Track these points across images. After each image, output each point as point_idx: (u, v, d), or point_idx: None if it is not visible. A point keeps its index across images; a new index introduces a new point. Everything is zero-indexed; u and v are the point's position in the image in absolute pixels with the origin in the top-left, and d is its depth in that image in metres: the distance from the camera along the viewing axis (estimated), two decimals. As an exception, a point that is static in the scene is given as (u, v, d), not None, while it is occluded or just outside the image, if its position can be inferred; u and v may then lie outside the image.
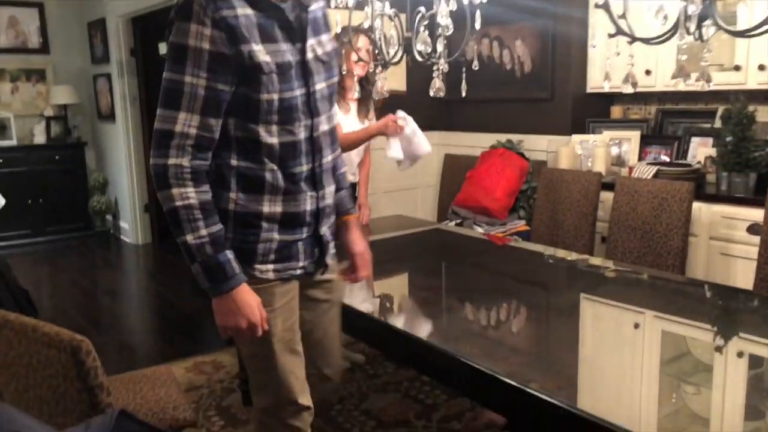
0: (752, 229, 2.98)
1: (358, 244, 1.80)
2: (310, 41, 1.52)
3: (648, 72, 3.55)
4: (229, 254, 1.43)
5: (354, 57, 2.86)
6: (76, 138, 6.61)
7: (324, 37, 1.58)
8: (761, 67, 3.15)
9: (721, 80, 3.22)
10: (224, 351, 3.51)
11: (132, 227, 6.28)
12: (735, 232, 3.11)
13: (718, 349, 1.81)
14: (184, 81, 1.36)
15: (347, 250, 1.80)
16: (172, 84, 1.37)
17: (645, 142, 3.84)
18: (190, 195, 1.38)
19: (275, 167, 1.48)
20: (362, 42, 2.84)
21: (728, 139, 3.13)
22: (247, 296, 1.45)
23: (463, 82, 2.42)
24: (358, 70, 2.93)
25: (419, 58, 2.30)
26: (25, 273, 4.83)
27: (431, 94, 2.36)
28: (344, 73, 2.85)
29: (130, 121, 6.02)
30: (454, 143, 4.90)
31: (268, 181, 1.48)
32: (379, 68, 2.45)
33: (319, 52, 1.54)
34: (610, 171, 3.78)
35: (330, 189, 1.63)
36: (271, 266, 1.53)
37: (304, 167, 1.53)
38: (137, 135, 6.08)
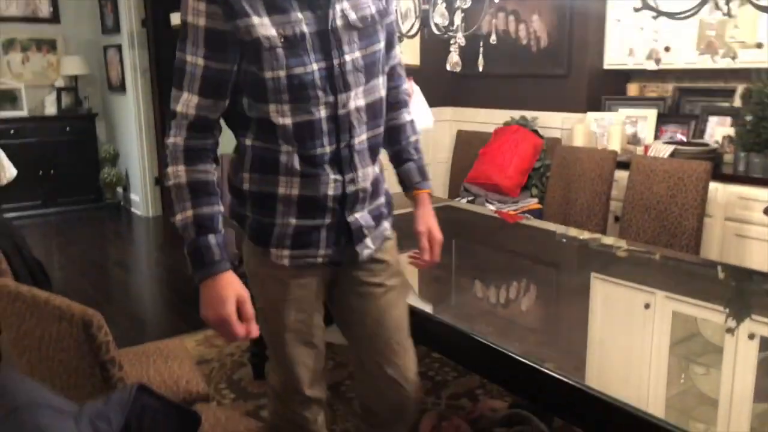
0: (769, 210, 2.93)
1: (422, 222, 1.63)
2: (342, 4, 1.34)
3: (667, 49, 3.47)
4: (212, 239, 1.31)
5: None
6: (86, 109, 6.59)
7: None
8: (784, 45, 3.07)
9: (743, 58, 3.14)
10: (234, 324, 3.52)
11: (143, 200, 6.29)
12: (751, 213, 3.07)
13: (729, 330, 1.80)
14: (186, 60, 1.30)
15: (413, 229, 1.64)
16: (178, 63, 1.32)
17: (661, 120, 3.77)
18: (181, 174, 1.32)
19: (291, 149, 1.36)
20: None
21: (748, 118, 3.07)
22: (224, 288, 1.29)
23: (480, 56, 2.37)
24: None
25: (436, 32, 2.25)
26: (36, 244, 4.86)
27: (448, 68, 2.32)
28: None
29: (140, 92, 5.99)
30: (467, 119, 4.84)
31: (283, 163, 1.37)
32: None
33: (353, 16, 1.35)
34: (626, 149, 3.73)
35: (366, 171, 1.44)
36: (287, 252, 1.43)
37: (327, 149, 1.37)
38: (148, 107, 6.06)
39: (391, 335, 1.56)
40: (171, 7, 5.10)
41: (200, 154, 1.34)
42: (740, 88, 3.35)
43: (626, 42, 3.69)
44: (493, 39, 2.37)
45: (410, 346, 1.61)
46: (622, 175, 3.28)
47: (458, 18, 2.23)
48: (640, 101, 3.95)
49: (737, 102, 3.37)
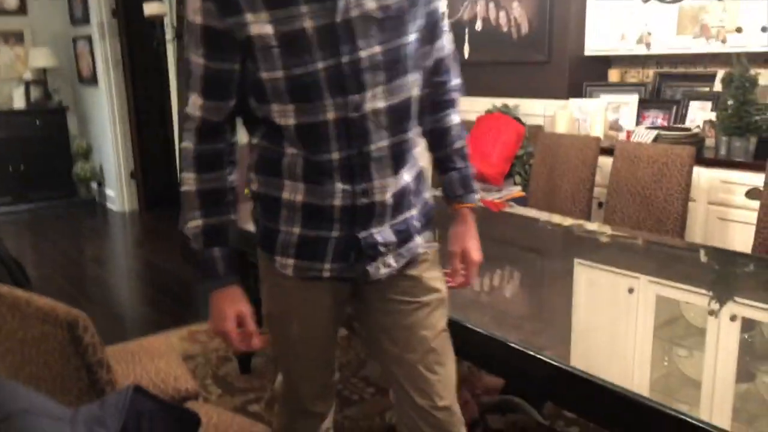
0: (751, 193, 2.95)
1: (457, 242, 1.46)
2: None
3: (648, 34, 3.47)
4: (218, 252, 1.28)
5: None
6: (56, 103, 6.43)
7: None
8: (764, 29, 3.09)
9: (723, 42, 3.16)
10: (218, 320, 3.47)
11: (118, 195, 6.16)
12: (733, 197, 3.09)
13: (712, 312, 1.81)
14: (190, 59, 1.23)
15: (450, 249, 1.47)
16: (186, 62, 1.24)
17: (643, 106, 3.78)
18: (191, 181, 1.27)
19: (296, 151, 1.24)
20: None
21: (729, 102, 3.08)
22: (225, 304, 1.28)
23: (466, 44, 2.34)
24: None
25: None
26: (9, 241, 4.73)
27: (433, 55, 2.28)
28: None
29: (113, 85, 5.85)
30: (447, 108, 4.81)
31: (285, 166, 1.26)
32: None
33: (371, 6, 1.16)
34: (608, 135, 3.73)
35: (385, 182, 1.27)
36: (291, 261, 1.32)
37: (334, 155, 1.22)
38: (122, 100, 5.93)
39: (421, 358, 1.37)
40: (143, -3, 4.97)
41: (212, 161, 1.28)
42: (720, 73, 3.37)
43: (607, 27, 3.69)
44: (478, 26, 2.34)
45: (445, 372, 1.41)
46: (604, 161, 3.28)
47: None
48: (622, 87, 3.95)
49: (717, 86, 3.39)
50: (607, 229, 2.67)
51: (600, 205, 3.37)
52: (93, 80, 6.06)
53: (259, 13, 1.14)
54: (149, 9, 4.21)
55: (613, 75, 4.02)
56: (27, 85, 6.25)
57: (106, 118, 5.99)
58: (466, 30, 2.43)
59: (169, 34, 4.32)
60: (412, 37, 1.24)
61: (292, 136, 1.23)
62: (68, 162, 6.44)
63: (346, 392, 2.70)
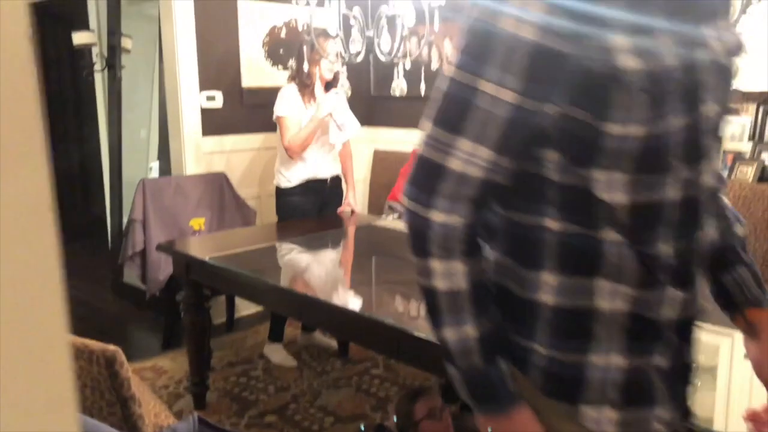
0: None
1: None
2: (716, 24, 0.86)
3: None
4: (504, 366, 0.90)
5: (326, 66, 2.86)
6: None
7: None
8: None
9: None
10: (162, 356, 3.39)
11: (32, 229, 5.85)
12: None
13: None
14: (477, 87, 0.81)
15: (760, 378, 1.03)
16: (458, 89, 0.83)
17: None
18: (459, 274, 0.88)
19: (619, 239, 0.86)
20: (333, 47, 2.80)
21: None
22: (528, 425, 0.91)
23: (422, 82, 2.50)
24: (327, 75, 2.93)
25: (382, 58, 2.35)
26: None
27: (396, 93, 2.42)
28: (306, 70, 2.83)
29: (28, 115, 5.60)
30: (382, 139, 4.97)
31: (609, 260, 0.87)
32: (344, 67, 2.48)
33: (717, 47, 0.85)
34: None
35: (700, 280, 0.94)
36: (613, 413, 0.89)
37: (663, 247, 0.87)
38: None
39: None
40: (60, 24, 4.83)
41: (477, 241, 0.90)
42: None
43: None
44: (435, 65, 2.52)
45: None
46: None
47: (399, 43, 2.35)
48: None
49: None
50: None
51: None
52: None
53: (621, 34, 0.78)
54: (78, 39, 4.10)
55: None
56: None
57: (19, 149, 5.70)
58: (422, 68, 2.59)
59: (98, 65, 4.23)
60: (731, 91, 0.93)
61: (620, 218, 0.85)
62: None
63: (306, 423, 2.73)
